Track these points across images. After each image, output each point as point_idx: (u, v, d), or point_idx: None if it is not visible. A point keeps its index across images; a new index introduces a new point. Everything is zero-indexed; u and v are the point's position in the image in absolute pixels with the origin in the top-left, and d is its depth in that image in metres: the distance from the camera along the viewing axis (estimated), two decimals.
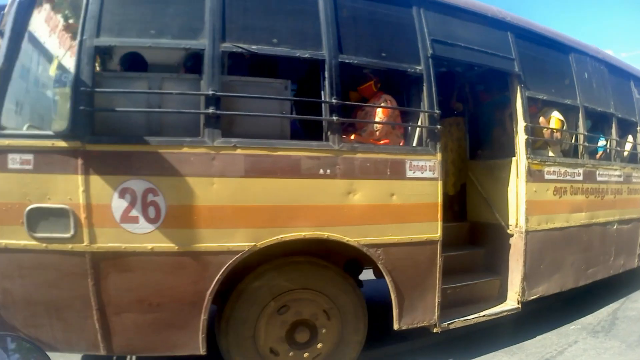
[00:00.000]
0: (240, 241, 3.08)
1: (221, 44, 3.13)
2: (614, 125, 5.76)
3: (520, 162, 4.57)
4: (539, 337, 4.64)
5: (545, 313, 5.18)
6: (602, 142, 5.81)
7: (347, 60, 3.49)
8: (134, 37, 3.10)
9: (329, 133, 3.37)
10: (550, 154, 4.99)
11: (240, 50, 3.19)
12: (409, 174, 3.68)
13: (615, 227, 5.69)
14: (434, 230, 3.80)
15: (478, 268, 4.93)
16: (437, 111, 3.90)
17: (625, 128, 6.24)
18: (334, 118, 3.38)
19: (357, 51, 3.58)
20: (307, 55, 3.38)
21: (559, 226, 4.83)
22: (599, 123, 5.89)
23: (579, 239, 5.10)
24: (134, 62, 3.53)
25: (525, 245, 4.52)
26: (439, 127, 3.90)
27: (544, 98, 4.85)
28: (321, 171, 3.28)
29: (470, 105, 5.56)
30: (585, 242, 5.19)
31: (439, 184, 3.84)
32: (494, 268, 4.83)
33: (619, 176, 5.76)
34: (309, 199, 3.25)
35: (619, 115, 5.87)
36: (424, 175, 3.77)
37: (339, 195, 3.35)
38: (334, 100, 3.39)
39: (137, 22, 3.11)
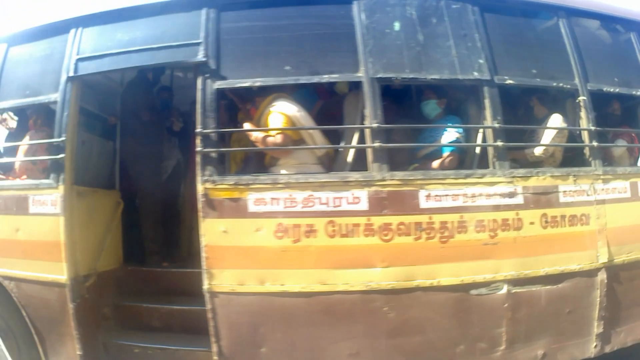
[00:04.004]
0: None
1: None
2: (487, 103, 2.21)
3: (198, 187, 2.10)
4: None
5: None
6: (451, 136, 2.31)
7: None
8: None
9: None
10: (283, 171, 2.18)
11: None
12: (33, 209, 2.41)
13: (505, 291, 2.15)
14: (60, 272, 2.30)
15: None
16: (61, 139, 2.31)
17: (553, 103, 2.52)
18: None
19: (7, 94, 2.59)
20: None
21: (297, 290, 2.00)
22: (464, 104, 2.43)
23: (370, 315, 2.05)
24: None
25: (213, 311, 2.04)
26: (62, 155, 2.30)
27: (259, 84, 2.11)
28: None
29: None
30: (394, 320, 2.06)
31: (61, 219, 2.29)
32: None
33: (508, 195, 2.18)
34: None
35: (507, 82, 2.26)
36: (45, 211, 2.37)
37: None
38: None
39: None
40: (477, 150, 2.28)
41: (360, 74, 2.14)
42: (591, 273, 2.36)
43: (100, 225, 2.58)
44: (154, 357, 2.37)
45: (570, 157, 2.50)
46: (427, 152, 2.30)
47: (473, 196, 2.15)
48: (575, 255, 2.33)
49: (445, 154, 2.25)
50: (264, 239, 2.03)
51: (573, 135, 2.51)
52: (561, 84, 2.41)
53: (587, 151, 2.43)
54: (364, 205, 2.06)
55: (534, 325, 2.29)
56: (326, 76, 2.13)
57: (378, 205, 2.06)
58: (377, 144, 2.08)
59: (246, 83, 2.12)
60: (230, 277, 2.03)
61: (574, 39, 2.48)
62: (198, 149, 2.05)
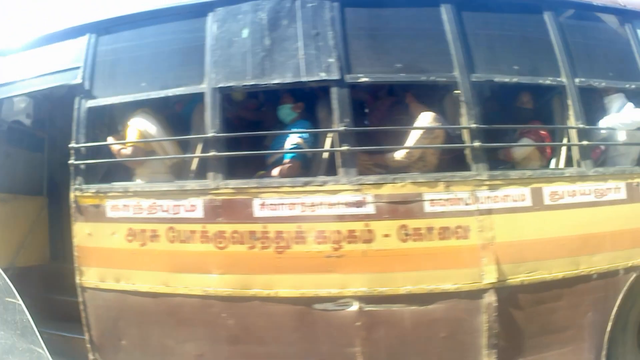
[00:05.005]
0: None
1: None
2: (335, 104, 1.98)
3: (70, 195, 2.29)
4: None
5: None
6: (292, 142, 2.12)
7: None
8: None
9: None
10: (138, 180, 2.26)
11: None
12: None
13: (356, 308, 1.91)
14: None
15: None
16: None
17: (437, 100, 2.11)
18: None
19: None
20: None
21: (145, 290, 2.08)
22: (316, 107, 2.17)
23: (210, 319, 2.02)
24: None
25: (84, 304, 2.21)
26: None
27: (118, 102, 2.24)
28: None
29: None
30: (234, 327, 2.00)
31: None
32: None
33: (355, 204, 1.91)
34: None
35: (361, 80, 2.01)
36: None
37: None
38: None
39: None
40: (326, 156, 2.08)
41: (204, 85, 2.12)
42: (473, 294, 1.96)
43: (21, 227, 2.87)
44: (56, 343, 2.49)
45: (450, 160, 2.10)
46: (275, 159, 2.16)
47: (312, 205, 1.96)
48: (449, 273, 1.96)
49: (285, 160, 2.09)
50: (118, 242, 2.16)
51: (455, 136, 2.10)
52: (433, 78, 2.04)
53: (468, 153, 2.02)
54: (199, 213, 2.05)
55: (399, 348, 1.99)
56: (172, 90, 2.17)
57: (212, 213, 2.03)
58: (211, 154, 2.04)
59: (109, 101, 2.28)
60: (95, 275, 2.22)
61: (458, 24, 2.08)
62: (70, 161, 2.30)
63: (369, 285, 1.95)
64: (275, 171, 2.09)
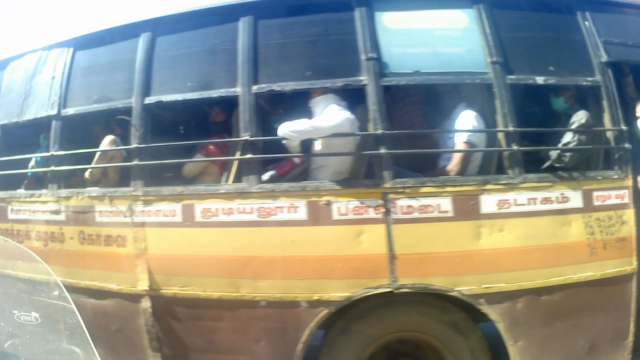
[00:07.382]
0: None
1: None
2: (52, 135, 2.48)
3: None
4: None
5: None
6: (32, 162, 2.64)
7: None
8: None
9: None
10: None
11: None
12: None
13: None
14: None
15: None
16: None
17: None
18: None
19: None
20: None
21: None
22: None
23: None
24: None
25: None
26: None
27: None
28: None
29: None
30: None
31: None
32: None
33: (55, 212, 2.43)
34: None
35: (70, 114, 2.46)
36: None
37: None
38: None
39: None
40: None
41: None
42: (132, 298, 2.24)
43: None
44: None
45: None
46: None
47: (35, 212, 2.54)
48: (113, 275, 2.29)
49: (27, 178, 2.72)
50: None
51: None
52: (113, 106, 2.38)
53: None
54: None
55: (89, 331, 2.39)
56: None
57: None
58: None
59: None
60: None
61: (149, 51, 2.33)
62: None
63: (64, 276, 2.39)
64: (24, 185, 2.75)
